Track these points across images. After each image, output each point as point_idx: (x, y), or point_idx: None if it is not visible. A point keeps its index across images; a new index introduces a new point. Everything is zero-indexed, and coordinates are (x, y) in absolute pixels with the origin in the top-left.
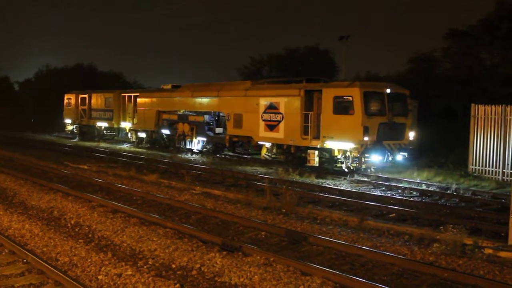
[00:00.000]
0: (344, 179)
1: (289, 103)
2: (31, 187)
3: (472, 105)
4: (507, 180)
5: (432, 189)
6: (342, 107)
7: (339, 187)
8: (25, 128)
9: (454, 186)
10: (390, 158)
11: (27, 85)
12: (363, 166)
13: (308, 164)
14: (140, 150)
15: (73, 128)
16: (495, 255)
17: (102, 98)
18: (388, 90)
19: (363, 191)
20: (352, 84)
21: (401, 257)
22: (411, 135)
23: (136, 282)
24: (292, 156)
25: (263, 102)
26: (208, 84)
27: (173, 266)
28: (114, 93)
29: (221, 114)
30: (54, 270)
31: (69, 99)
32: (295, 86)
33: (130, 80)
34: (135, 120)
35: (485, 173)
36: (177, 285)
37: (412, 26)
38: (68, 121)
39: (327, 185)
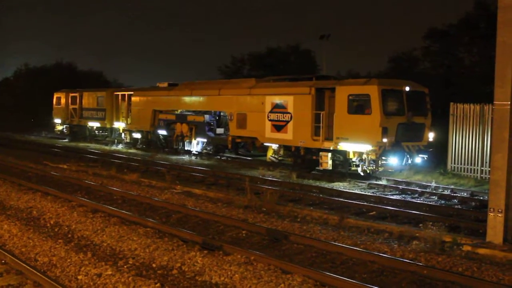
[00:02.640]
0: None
1: (298, 102)
2: (10, 187)
3: (451, 103)
4: (485, 178)
5: (412, 187)
6: (358, 106)
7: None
8: (5, 129)
9: (433, 185)
10: (409, 161)
11: (6, 84)
12: (380, 169)
13: (320, 167)
14: (135, 151)
15: (63, 128)
16: (473, 252)
17: (94, 97)
18: (407, 88)
19: (344, 190)
20: (370, 81)
21: (381, 254)
22: (431, 136)
23: (116, 282)
24: (301, 159)
25: (270, 101)
26: (208, 82)
27: (154, 265)
28: (107, 91)
29: (222, 113)
30: (33, 271)
31: (59, 98)
32: (305, 84)
33: (110, 79)
34: (129, 120)
35: (464, 171)
36: (158, 284)
37: (392, 25)
38: (57, 121)
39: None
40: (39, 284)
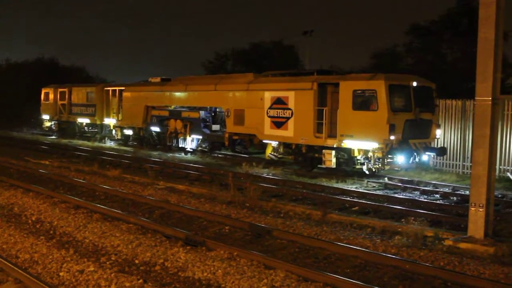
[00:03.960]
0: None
1: (300, 97)
2: None
3: None
4: (467, 173)
5: (394, 183)
6: (364, 102)
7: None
8: None
9: (416, 180)
10: (416, 159)
11: None
12: (386, 167)
13: (323, 165)
14: (127, 148)
15: (51, 125)
16: (455, 247)
17: (83, 93)
18: (414, 83)
19: (326, 184)
20: (376, 76)
21: (364, 249)
22: (438, 133)
23: (99, 278)
24: (302, 157)
25: (269, 96)
26: (203, 76)
27: (136, 261)
28: (97, 87)
29: (218, 109)
30: (14, 268)
31: (47, 93)
32: (307, 78)
33: (93, 74)
34: (120, 116)
35: (446, 166)
36: (140, 280)
37: (376, 21)
38: (45, 117)
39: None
40: (20, 281)
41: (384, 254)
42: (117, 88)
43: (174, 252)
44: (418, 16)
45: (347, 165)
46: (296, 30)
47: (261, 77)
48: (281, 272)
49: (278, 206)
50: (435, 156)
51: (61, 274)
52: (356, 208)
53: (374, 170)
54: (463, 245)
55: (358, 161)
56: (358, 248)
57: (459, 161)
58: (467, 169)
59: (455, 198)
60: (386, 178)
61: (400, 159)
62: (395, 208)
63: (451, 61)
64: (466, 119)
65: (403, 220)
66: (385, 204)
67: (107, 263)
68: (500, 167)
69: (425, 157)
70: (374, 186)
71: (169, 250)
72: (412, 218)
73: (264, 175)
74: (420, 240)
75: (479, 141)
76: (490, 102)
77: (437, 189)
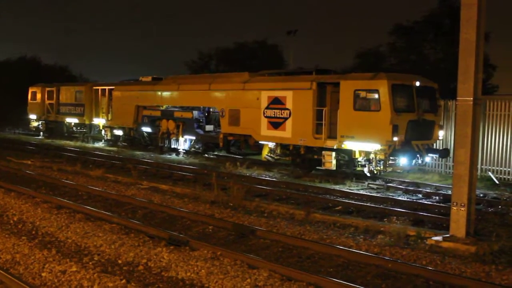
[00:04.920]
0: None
1: (298, 97)
2: None
3: None
4: (449, 172)
5: (377, 182)
6: (365, 102)
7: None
8: None
9: (398, 179)
10: (420, 161)
11: None
12: (389, 169)
13: (322, 167)
14: (112, 149)
15: (38, 125)
16: (437, 245)
17: (72, 92)
18: (417, 83)
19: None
20: (378, 75)
21: (347, 249)
22: (441, 134)
23: (81, 279)
24: (301, 158)
25: (266, 96)
26: (197, 76)
27: (119, 261)
28: (86, 86)
29: (211, 109)
30: None
31: (34, 92)
32: (306, 78)
33: (76, 73)
34: (110, 116)
35: (429, 166)
36: (123, 280)
37: (359, 21)
38: (33, 116)
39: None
40: (1, 281)
41: (367, 253)
42: (106, 87)
43: (157, 252)
44: (402, 16)
45: (348, 167)
46: (280, 30)
47: (257, 76)
48: (264, 271)
49: (262, 205)
50: (438, 158)
51: (43, 274)
52: (340, 207)
53: (375, 172)
54: (445, 244)
55: (359, 163)
56: (341, 247)
57: (441, 160)
58: (450, 168)
59: (437, 197)
60: (367, 183)
61: (402, 161)
62: (378, 207)
63: (433, 61)
64: (448, 119)
65: (385, 219)
66: (367, 204)
67: (90, 263)
68: (482, 166)
69: (428, 158)
70: (356, 186)
71: (153, 250)
72: (395, 217)
73: (263, 176)
74: (403, 239)
75: (461, 141)
76: (471, 102)
77: (419, 189)
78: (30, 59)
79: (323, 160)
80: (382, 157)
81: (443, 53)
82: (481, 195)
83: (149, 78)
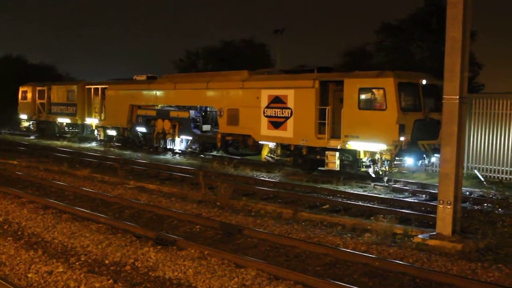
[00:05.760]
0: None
1: (300, 96)
2: None
3: None
4: (436, 171)
5: (365, 181)
6: (371, 101)
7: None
8: None
9: (385, 178)
10: (426, 161)
11: None
12: (394, 170)
13: (325, 168)
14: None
15: (29, 125)
16: (423, 243)
17: (63, 91)
18: (424, 81)
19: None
20: (384, 73)
21: (334, 247)
22: None
23: (68, 279)
24: (303, 159)
25: (266, 95)
26: (193, 74)
27: (106, 261)
28: (78, 85)
29: (208, 109)
30: None
31: (25, 92)
32: (308, 76)
33: (63, 72)
34: (103, 116)
35: (436, 166)
36: (110, 281)
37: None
38: (23, 116)
39: None
40: None
41: (354, 252)
42: (99, 86)
43: (144, 251)
44: (389, 15)
45: (352, 168)
46: (267, 29)
47: (257, 74)
48: (252, 270)
49: (249, 205)
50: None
51: (29, 275)
52: (327, 206)
53: (381, 173)
54: (431, 242)
55: (363, 164)
56: (328, 246)
57: None
58: (436, 167)
59: (424, 195)
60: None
61: (408, 161)
62: (365, 205)
63: (420, 60)
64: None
65: (372, 218)
66: (355, 202)
67: (77, 263)
68: (468, 164)
69: (434, 159)
70: (343, 184)
71: (140, 250)
72: (381, 215)
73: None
74: (390, 237)
75: (447, 139)
76: (457, 101)
77: (406, 187)
78: (16, 58)
79: (326, 161)
80: (388, 157)
81: (430, 51)
82: (467, 193)
83: (143, 77)
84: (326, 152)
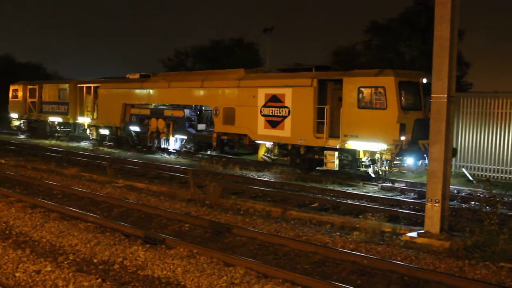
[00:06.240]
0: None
1: (298, 95)
2: None
3: None
4: (424, 170)
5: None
6: (371, 100)
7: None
8: None
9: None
10: (426, 161)
11: None
12: (394, 170)
13: (324, 167)
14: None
15: (20, 124)
16: (412, 241)
17: (55, 90)
18: (424, 80)
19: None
20: (384, 72)
21: (323, 245)
22: None
23: (56, 278)
24: (300, 158)
25: (263, 93)
26: (188, 72)
27: (95, 260)
28: (70, 83)
29: (203, 108)
30: None
31: (16, 90)
32: (306, 75)
33: (51, 71)
34: (96, 115)
35: None
36: (99, 280)
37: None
38: (14, 115)
39: None
40: None
41: (343, 250)
42: (92, 85)
43: (133, 250)
44: (378, 14)
45: (351, 167)
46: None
47: (253, 73)
48: (240, 269)
49: (238, 203)
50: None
51: (17, 274)
52: (316, 204)
53: (380, 173)
54: (419, 240)
55: (363, 163)
56: (317, 244)
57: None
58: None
59: (412, 194)
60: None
61: (409, 161)
62: (354, 204)
63: (409, 59)
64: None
65: (360, 216)
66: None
67: (65, 262)
68: (456, 163)
69: None
70: (333, 183)
71: (128, 249)
72: (370, 214)
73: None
74: (378, 235)
75: (435, 138)
76: (445, 99)
77: (395, 186)
78: (3, 57)
79: (325, 160)
80: (388, 157)
81: (418, 51)
82: (455, 191)
83: (136, 75)
84: (325, 152)
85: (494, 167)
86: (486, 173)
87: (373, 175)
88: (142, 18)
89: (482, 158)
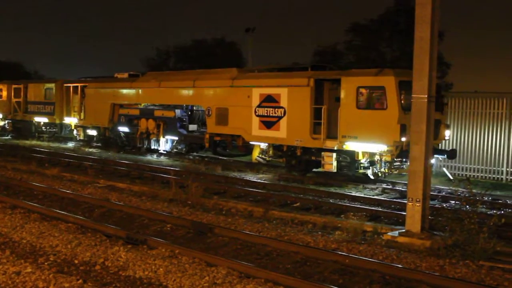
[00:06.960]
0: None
1: (294, 95)
2: None
3: None
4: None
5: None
6: (370, 100)
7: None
8: None
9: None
10: None
11: None
12: (394, 171)
13: (321, 169)
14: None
15: (4, 124)
16: (393, 241)
17: (41, 89)
18: None
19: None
20: (383, 71)
21: (304, 245)
22: (447, 134)
23: (36, 280)
24: (296, 160)
25: (258, 93)
26: (179, 72)
27: (76, 261)
28: (56, 83)
29: (195, 108)
30: None
31: (0, 90)
32: (303, 74)
33: (30, 70)
34: (83, 115)
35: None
36: (80, 280)
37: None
38: None
39: None
40: None
41: (324, 249)
42: (79, 85)
43: (114, 251)
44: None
45: (349, 169)
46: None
47: (247, 72)
48: (222, 269)
49: (220, 203)
50: (446, 159)
51: None
52: (298, 204)
53: (380, 174)
54: (401, 239)
55: (362, 165)
56: (299, 244)
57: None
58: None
59: (394, 193)
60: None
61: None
62: (336, 203)
63: (390, 60)
64: None
65: (342, 215)
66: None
67: (46, 263)
68: (437, 162)
69: (433, 160)
70: (314, 182)
71: (110, 249)
72: (351, 213)
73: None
74: (360, 235)
75: (416, 137)
76: (426, 100)
77: (377, 186)
78: None
79: (322, 162)
80: (388, 158)
81: (400, 51)
82: (436, 191)
83: (125, 75)
84: (323, 153)
85: (474, 166)
86: (466, 173)
87: (372, 177)
88: (119, 18)
89: (462, 157)
